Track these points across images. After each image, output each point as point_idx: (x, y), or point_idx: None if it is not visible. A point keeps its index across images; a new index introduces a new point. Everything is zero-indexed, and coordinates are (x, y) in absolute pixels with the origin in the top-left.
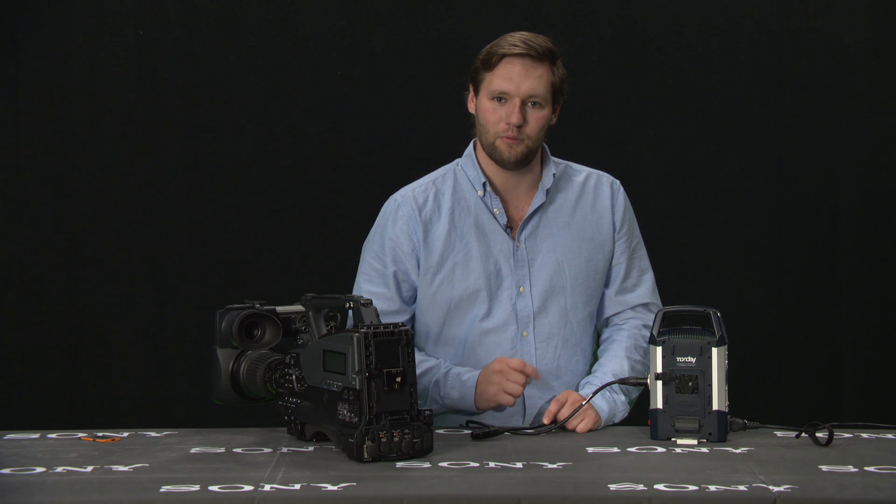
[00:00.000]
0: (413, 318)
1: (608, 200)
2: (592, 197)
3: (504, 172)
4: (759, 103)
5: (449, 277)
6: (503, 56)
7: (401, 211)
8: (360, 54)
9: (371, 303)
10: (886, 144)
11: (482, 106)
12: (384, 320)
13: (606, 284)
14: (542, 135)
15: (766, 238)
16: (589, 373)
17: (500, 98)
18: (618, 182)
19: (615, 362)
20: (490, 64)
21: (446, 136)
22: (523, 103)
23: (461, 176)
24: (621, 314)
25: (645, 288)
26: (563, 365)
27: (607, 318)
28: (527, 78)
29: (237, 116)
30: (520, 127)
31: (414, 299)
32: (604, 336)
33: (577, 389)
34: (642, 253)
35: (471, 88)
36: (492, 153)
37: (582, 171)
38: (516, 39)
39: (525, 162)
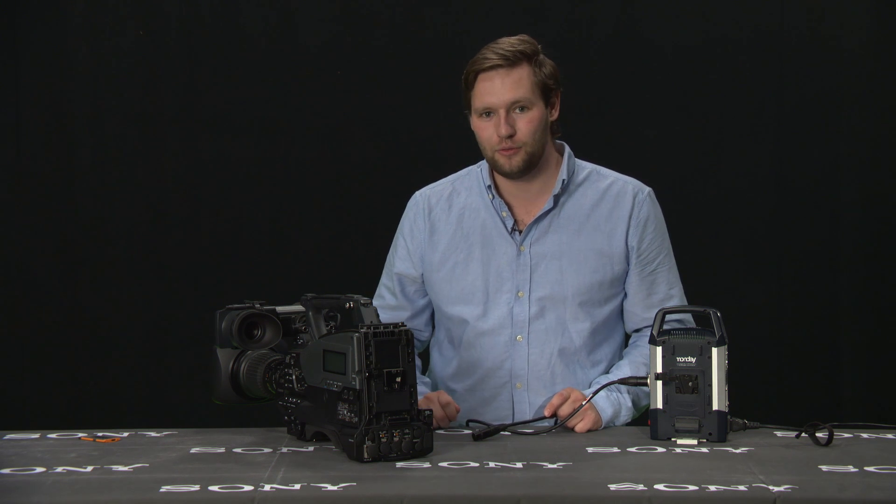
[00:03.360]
0: (421, 314)
1: (627, 211)
2: (611, 206)
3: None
4: (759, 103)
5: (448, 276)
6: (478, 73)
7: (413, 209)
8: (360, 54)
9: (371, 303)
10: (886, 144)
11: (474, 124)
12: (387, 313)
13: (630, 299)
14: (538, 136)
15: (766, 238)
16: None
17: (487, 113)
18: (645, 193)
19: (631, 367)
20: (469, 83)
21: (447, 136)
22: (508, 112)
23: (479, 177)
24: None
25: (673, 304)
26: (559, 373)
27: (636, 330)
28: (504, 87)
29: (237, 116)
30: (511, 136)
31: (420, 296)
32: (631, 340)
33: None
34: (671, 266)
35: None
36: (495, 167)
37: (608, 177)
38: (488, 52)
39: (528, 169)
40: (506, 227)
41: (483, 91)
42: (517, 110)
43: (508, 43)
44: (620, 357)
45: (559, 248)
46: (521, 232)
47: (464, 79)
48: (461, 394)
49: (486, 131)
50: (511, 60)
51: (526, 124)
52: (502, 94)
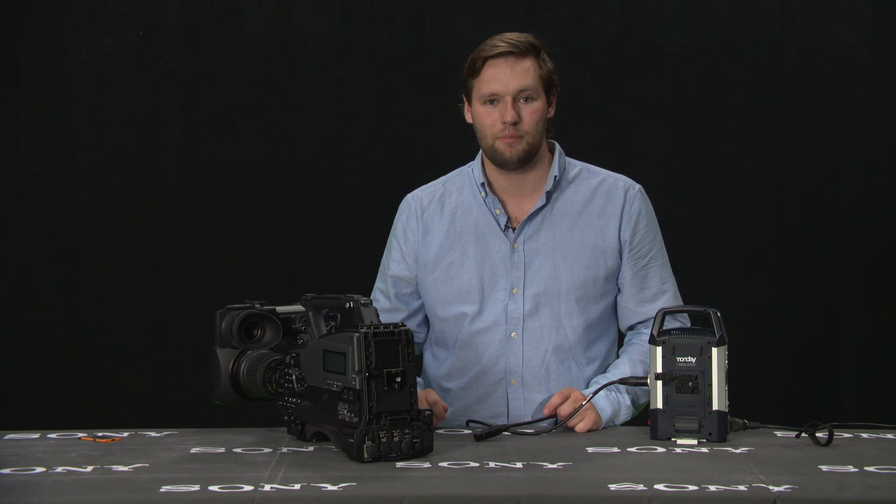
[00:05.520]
0: (415, 316)
1: (618, 207)
2: (603, 201)
3: (505, 173)
4: (759, 103)
5: (443, 277)
6: (486, 59)
7: (406, 211)
8: (360, 54)
9: (371, 303)
10: (886, 144)
11: (476, 112)
12: (381, 316)
13: (624, 294)
14: (540, 128)
15: (766, 238)
16: None
17: (492, 100)
18: (636, 188)
19: (628, 365)
20: (475, 70)
21: (446, 135)
22: (515, 100)
23: (470, 177)
24: (646, 322)
25: (667, 299)
26: (554, 370)
27: (631, 325)
28: (513, 74)
29: (237, 116)
30: (516, 124)
31: (415, 298)
32: (626, 339)
33: (586, 388)
34: (664, 261)
35: (464, 99)
36: (493, 156)
37: (599, 174)
38: (496, 40)
39: (527, 159)
40: (499, 224)
41: (490, 77)
42: (522, 100)
43: (516, 35)
44: (616, 355)
45: (552, 244)
46: (514, 229)
47: (468, 66)
48: (456, 392)
49: (489, 118)
50: (521, 50)
51: (530, 114)
52: (510, 82)
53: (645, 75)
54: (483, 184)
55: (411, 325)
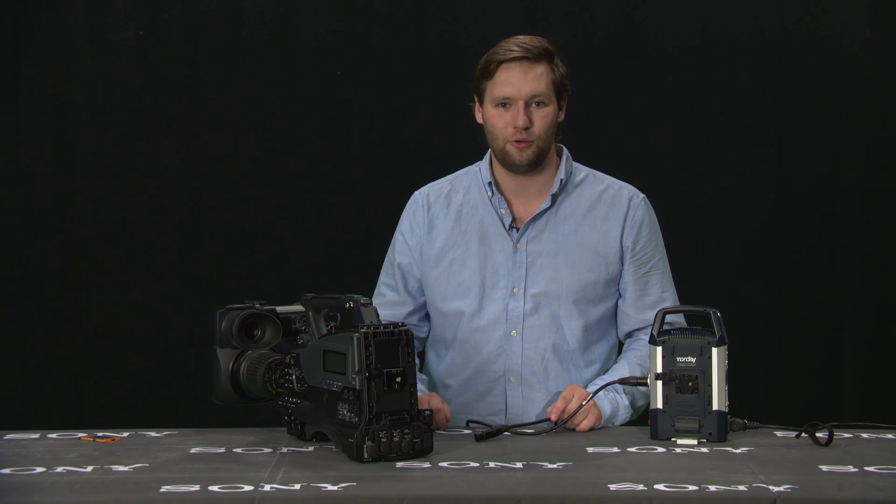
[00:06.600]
0: (422, 309)
1: (622, 213)
2: (607, 207)
3: (512, 174)
4: (759, 103)
5: (445, 273)
6: (500, 63)
7: (413, 206)
8: (361, 54)
9: (371, 303)
10: (886, 144)
11: (488, 114)
12: (387, 310)
13: (625, 300)
14: (550, 132)
15: (766, 238)
16: None
17: (504, 104)
18: (640, 197)
19: (627, 368)
20: (489, 72)
21: (447, 136)
22: (527, 105)
23: (477, 176)
24: (644, 329)
25: (666, 306)
26: (553, 369)
27: (630, 332)
28: (527, 79)
29: (237, 116)
30: (527, 129)
31: (421, 292)
32: (625, 346)
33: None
34: (665, 270)
35: (475, 99)
36: (503, 159)
37: (604, 181)
38: (511, 44)
39: (537, 163)
40: (503, 224)
41: (504, 81)
42: (535, 104)
43: (531, 39)
44: (615, 360)
45: (555, 246)
46: (518, 229)
47: (481, 68)
48: (455, 389)
49: (500, 121)
50: (535, 55)
51: (542, 119)
52: (523, 87)
53: (645, 75)
54: (490, 183)
55: (417, 318)
